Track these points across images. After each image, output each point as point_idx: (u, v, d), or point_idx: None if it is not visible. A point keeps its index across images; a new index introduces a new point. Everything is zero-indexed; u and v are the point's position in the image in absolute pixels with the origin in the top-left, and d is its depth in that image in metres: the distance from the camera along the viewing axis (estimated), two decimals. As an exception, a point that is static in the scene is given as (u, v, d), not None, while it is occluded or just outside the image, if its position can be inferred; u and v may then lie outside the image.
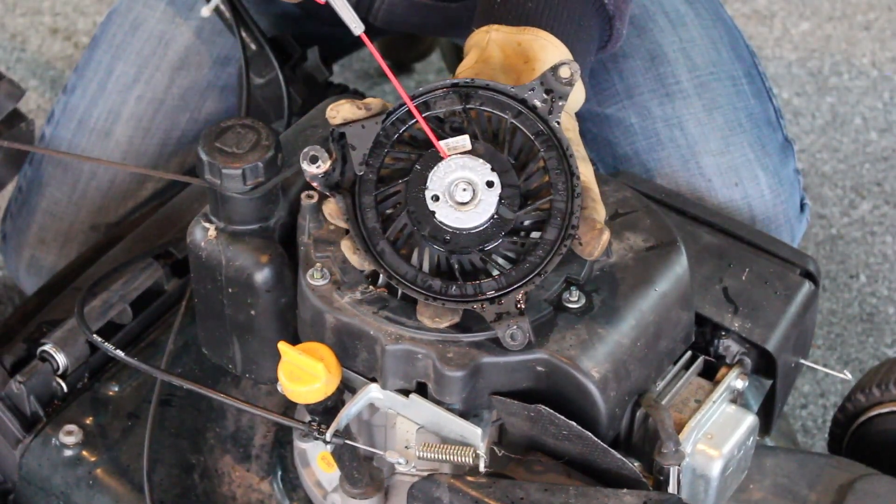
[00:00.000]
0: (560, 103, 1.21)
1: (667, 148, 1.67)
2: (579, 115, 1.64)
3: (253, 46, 1.77)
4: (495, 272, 1.19)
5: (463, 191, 1.19)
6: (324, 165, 1.20)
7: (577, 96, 1.33)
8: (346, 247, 1.22)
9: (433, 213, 1.19)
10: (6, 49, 2.60)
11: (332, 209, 1.23)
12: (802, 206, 1.72)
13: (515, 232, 1.20)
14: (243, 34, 1.77)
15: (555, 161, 1.21)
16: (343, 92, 1.83)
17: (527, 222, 1.21)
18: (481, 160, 1.19)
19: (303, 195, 1.28)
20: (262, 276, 1.26)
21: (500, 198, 1.19)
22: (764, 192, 1.66)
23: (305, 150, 1.20)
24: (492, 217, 1.19)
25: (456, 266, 1.20)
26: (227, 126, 1.25)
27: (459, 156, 1.20)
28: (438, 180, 1.19)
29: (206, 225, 1.28)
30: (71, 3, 2.69)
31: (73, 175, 1.80)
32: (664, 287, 1.26)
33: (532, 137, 1.21)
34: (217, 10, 1.76)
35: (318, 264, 1.24)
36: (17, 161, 1.55)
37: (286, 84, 1.77)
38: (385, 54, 2.56)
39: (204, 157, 1.24)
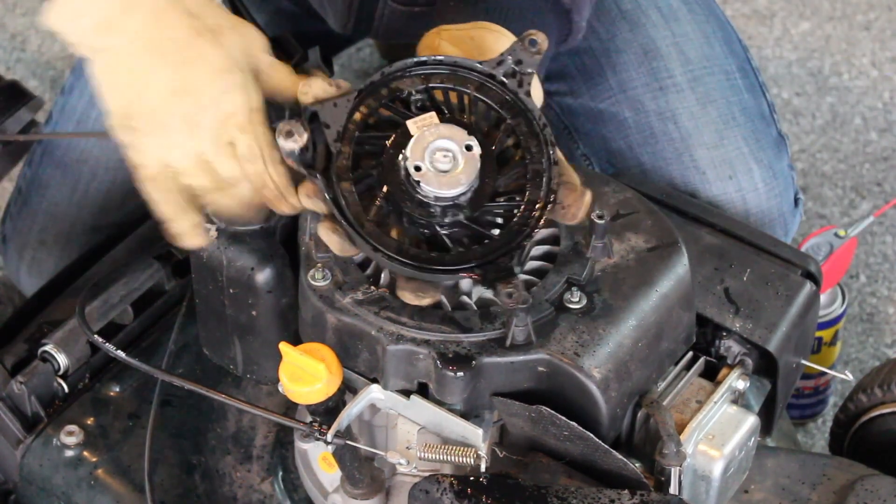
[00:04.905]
0: (529, 73, 1.20)
1: (660, 141, 1.67)
2: (573, 111, 1.62)
3: (254, 46, 1.76)
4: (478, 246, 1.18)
5: (444, 157, 1.17)
6: (300, 140, 1.17)
7: (536, 94, 1.31)
8: (324, 228, 1.19)
9: (417, 182, 1.16)
10: (6, 49, 2.60)
11: (310, 189, 1.19)
12: (796, 201, 1.72)
13: (497, 196, 1.19)
14: (244, 34, 1.76)
15: (523, 126, 1.20)
16: (343, 92, 1.82)
17: (510, 183, 1.19)
18: (456, 126, 1.18)
19: (304, 196, 1.28)
20: (263, 276, 1.26)
21: (481, 160, 1.17)
22: (758, 185, 1.66)
23: (280, 124, 1.17)
24: (474, 181, 1.17)
25: (444, 236, 1.18)
26: (228, 126, 1.25)
27: (434, 126, 1.18)
28: (417, 151, 1.17)
29: (207, 225, 1.28)
30: (71, 3, 2.69)
31: (73, 176, 1.79)
32: (665, 288, 1.26)
33: (496, 106, 1.21)
34: (217, 10, 1.76)
35: (319, 264, 1.24)
36: (14, 157, 1.55)
37: (287, 84, 1.76)
38: (384, 55, 2.57)
39: (205, 157, 1.23)
